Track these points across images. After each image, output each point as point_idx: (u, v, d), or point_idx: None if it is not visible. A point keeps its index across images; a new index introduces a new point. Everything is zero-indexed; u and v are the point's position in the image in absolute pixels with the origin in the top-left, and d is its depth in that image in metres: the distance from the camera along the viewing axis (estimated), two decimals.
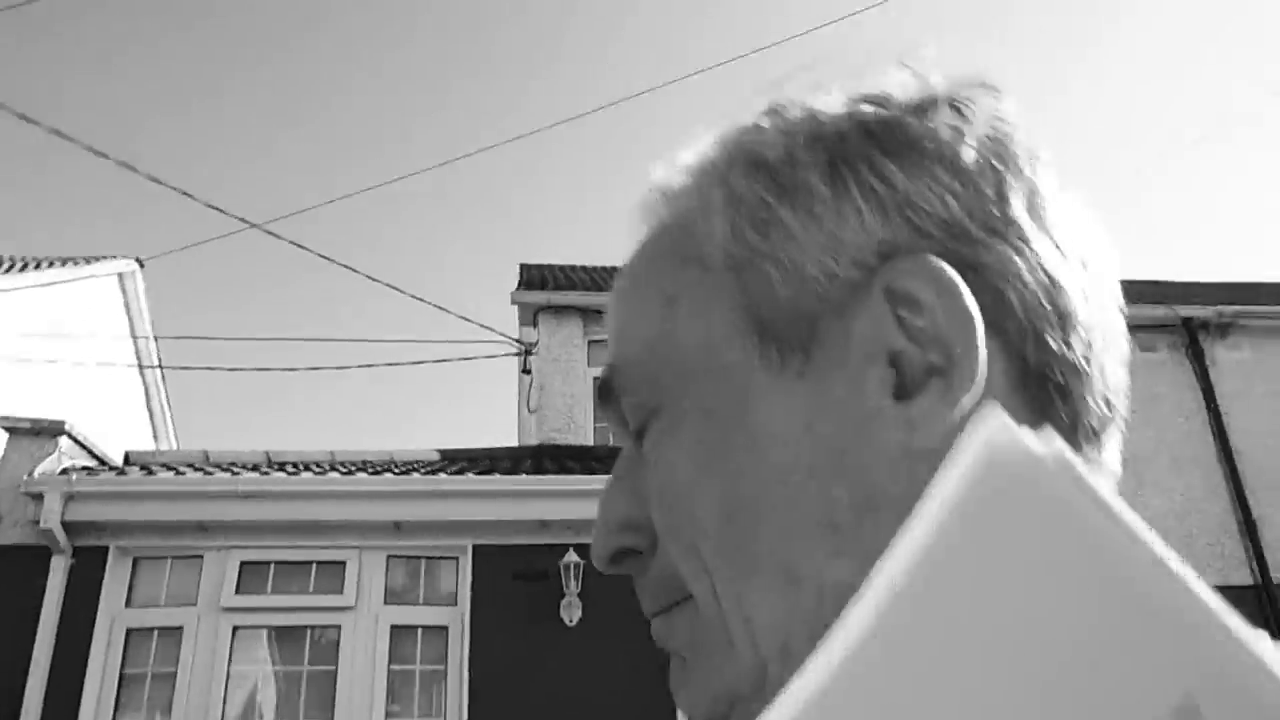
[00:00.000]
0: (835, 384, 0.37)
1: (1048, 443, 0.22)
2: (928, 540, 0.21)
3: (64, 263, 12.55)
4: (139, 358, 14.22)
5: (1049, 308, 0.37)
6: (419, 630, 6.25)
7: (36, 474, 6.10)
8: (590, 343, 9.86)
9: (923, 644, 0.21)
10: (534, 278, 10.68)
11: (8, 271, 11.09)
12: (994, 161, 0.38)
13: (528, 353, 10.11)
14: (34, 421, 6.52)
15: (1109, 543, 0.20)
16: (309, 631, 6.17)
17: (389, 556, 6.35)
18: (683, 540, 0.39)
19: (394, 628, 6.16)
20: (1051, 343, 0.37)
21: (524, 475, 6.40)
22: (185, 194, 7.88)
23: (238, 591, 6.15)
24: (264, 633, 6.16)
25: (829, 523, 0.36)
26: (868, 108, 0.39)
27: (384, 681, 6.00)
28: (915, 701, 0.20)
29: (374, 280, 9.97)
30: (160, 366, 13.71)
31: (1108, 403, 0.39)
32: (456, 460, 7.39)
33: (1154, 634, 0.19)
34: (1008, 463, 0.21)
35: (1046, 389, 0.37)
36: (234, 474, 6.32)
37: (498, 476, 6.38)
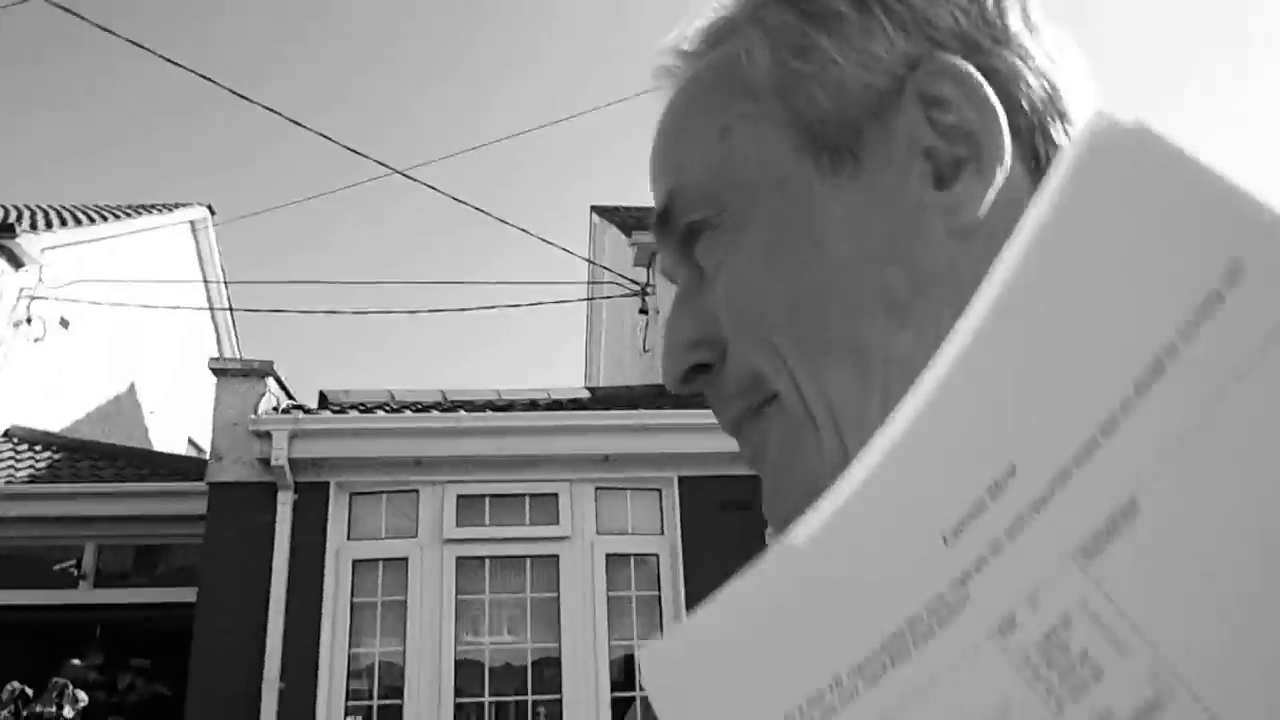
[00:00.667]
0: (883, 181, 0.41)
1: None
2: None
3: (147, 210, 12.45)
4: (210, 302, 14.14)
5: (1052, 107, 0.42)
6: (630, 559, 6.49)
7: (261, 413, 6.22)
8: None
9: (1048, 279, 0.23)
10: (646, 218, 10.75)
11: (103, 221, 11.02)
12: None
13: (645, 293, 10.24)
14: (244, 363, 6.61)
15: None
16: (528, 561, 6.39)
17: (597, 488, 6.56)
18: (760, 338, 0.42)
19: (608, 556, 6.40)
20: (1056, 137, 0.42)
21: None
22: (326, 137, 7.90)
23: (457, 524, 6.35)
24: (485, 562, 6.37)
25: (889, 301, 0.40)
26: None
27: (604, 607, 6.25)
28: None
29: (503, 222, 10.05)
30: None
31: None
32: (603, 397, 7.55)
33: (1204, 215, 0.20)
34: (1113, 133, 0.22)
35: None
36: (452, 411, 6.47)
37: (703, 411, 6.58)
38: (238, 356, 6.62)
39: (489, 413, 6.50)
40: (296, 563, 6.13)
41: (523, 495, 6.50)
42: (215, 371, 6.55)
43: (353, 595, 6.23)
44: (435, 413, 6.50)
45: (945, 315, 0.33)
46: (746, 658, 0.27)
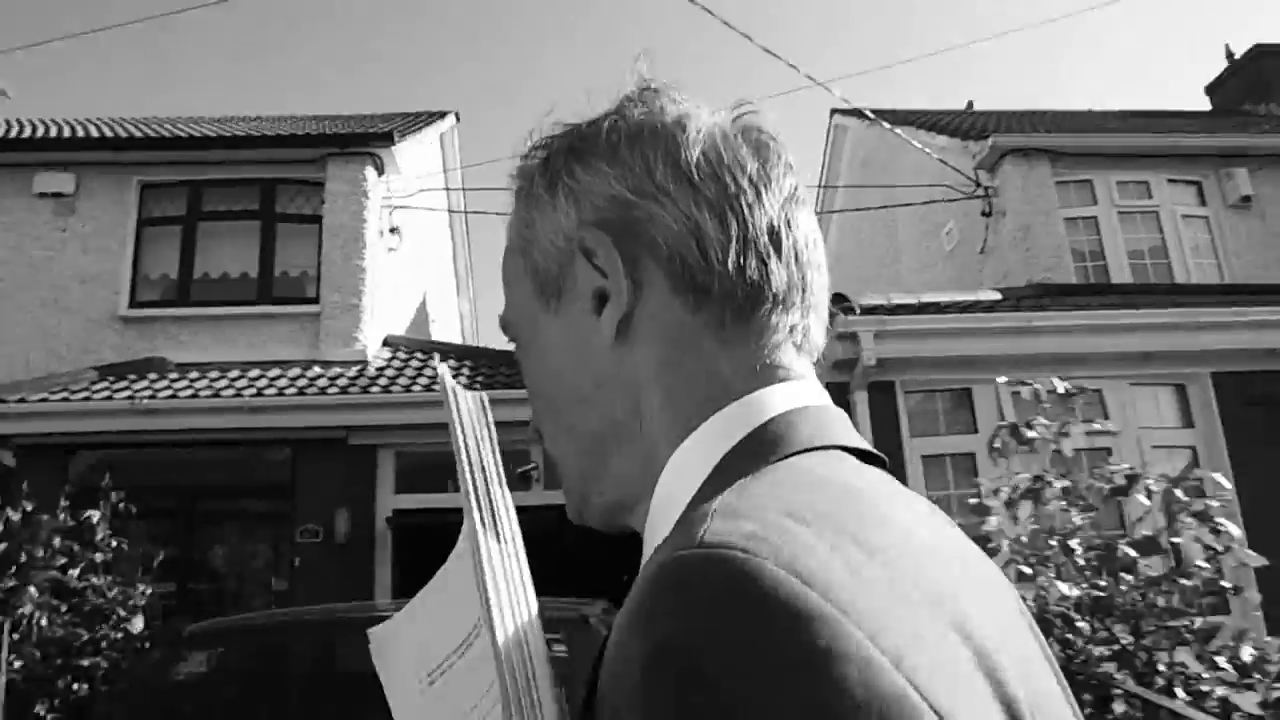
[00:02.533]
0: (572, 313, 0.61)
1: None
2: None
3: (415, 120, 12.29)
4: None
5: (689, 234, 0.57)
6: (1164, 450, 6.81)
7: (858, 314, 6.41)
8: (1057, 184, 10.10)
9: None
10: (988, 123, 10.83)
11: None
12: (643, 148, 0.59)
13: (989, 195, 10.34)
14: None
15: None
16: (1082, 454, 6.69)
17: (1131, 384, 6.84)
18: (533, 413, 0.68)
19: (1153, 448, 6.71)
20: (711, 263, 0.57)
21: (1260, 307, 6.84)
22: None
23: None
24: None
25: (579, 397, 0.62)
26: (574, 132, 0.63)
27: None
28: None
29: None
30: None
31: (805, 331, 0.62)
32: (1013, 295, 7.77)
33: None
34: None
35: (710, 296, 0.57)
36: (1014, 310, 6.68)
37: (1235, 309, 6.83)
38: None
39: (1044, 312, 6.71)
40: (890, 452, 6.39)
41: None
42: None
43: (926, 489, 6.52)
44: (1000, 312, 6.70)
45: (616, 403, 0.58)
46: (417, 637, 0.71)
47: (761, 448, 0.54)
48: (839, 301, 6.99)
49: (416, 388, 8.34)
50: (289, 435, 8.19)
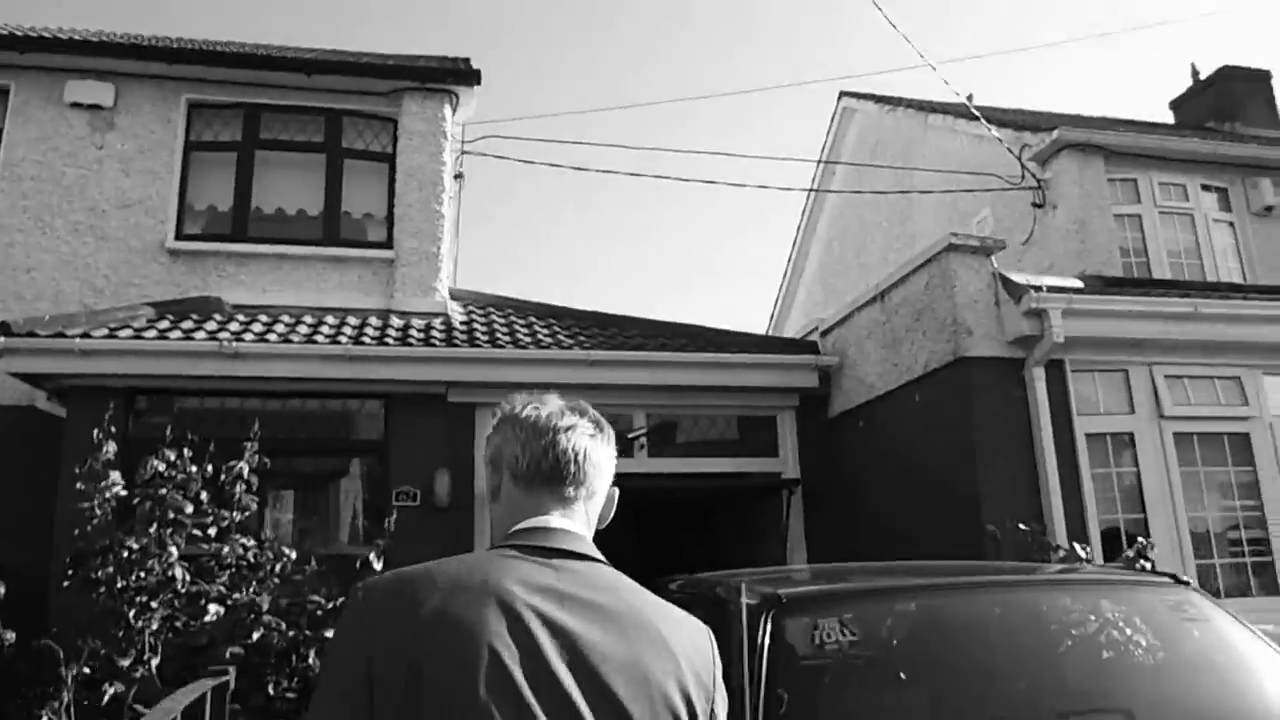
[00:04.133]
0: (499, 504, 1.37)
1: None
2: None
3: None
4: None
5: (519, 457, 1.34)
6: None
7: (1033, 291, 6.40)
8: (1108, 181, 10.48)
9: None
10: (1038, 120, 11.06)
11: None
12: (506, 424, 1.38)
13: (1041, 186, 10.62)
14: (980, 240, 6.70)
15: None
16: (1224, 438, 6.96)
17: (1264, 374, 7.15)
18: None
19: None
20: (524, 467, 1.33)
21: None
22: None
23: (1173, 403, 6.81)
24: (1193, 438, 6.90)
25: (492, 499, 1.39)
26: (501, 413, 1.42)
27: None
28: None
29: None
30: None
31: (586, 491, 1.36)
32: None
33: None
34: None
35: (537, 481, 1.32)
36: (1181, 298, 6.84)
37: None
38: (974, 234, 6.63)
39: (1222, 298, 6.91)
40: (1058, 436, 6.46)
41: (1210, 378, 7.01)
42: (952, 246, 6.61)
43: (1091, 466, 6.62)
44: (1172, 296, 6.85)
45: (498, 520, 1.36)
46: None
47: (504, 539, 1.30)
48: (1007, 283, 6.92)
49: (506, 344, 7.83)
50: (386, 389, 7.54)
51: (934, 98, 14.61)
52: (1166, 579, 2.90)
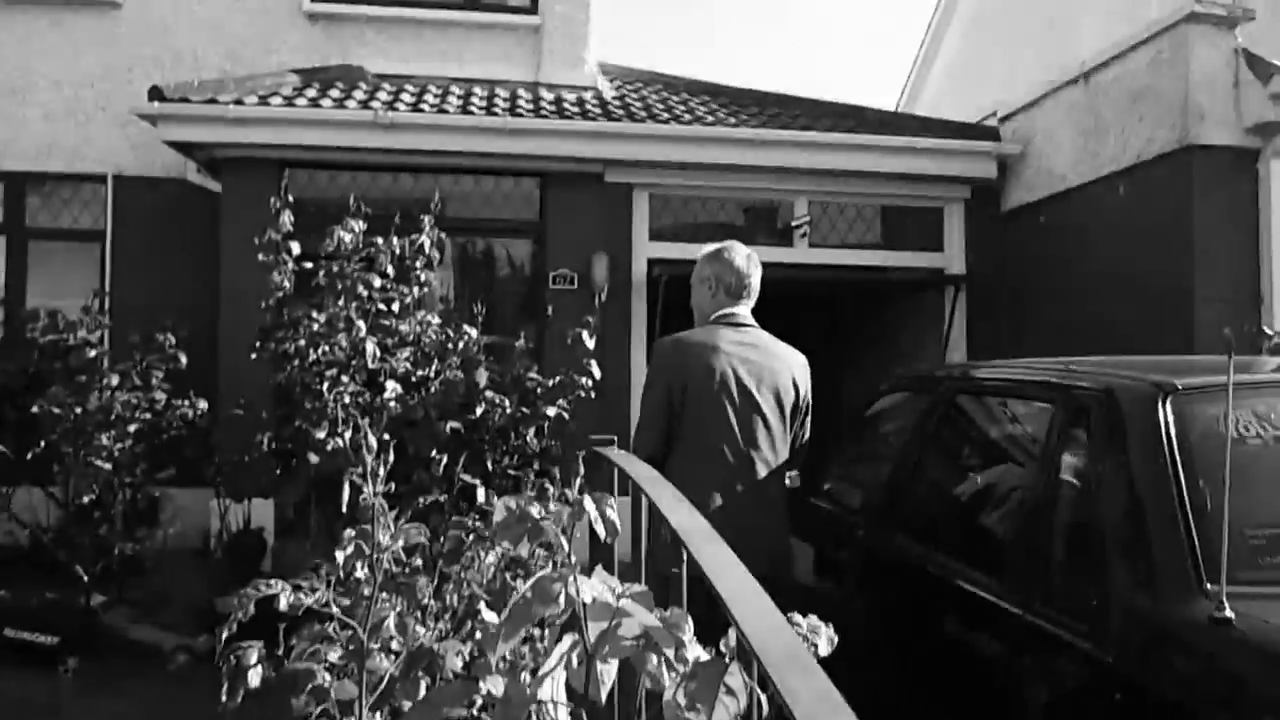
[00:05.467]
0: (709, 301, 3.12)
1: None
2: None
3: None
4: None
5: (731, 283, 3.01)
6: None
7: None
8: None
9: None
10: None
11: None
12: (721, 260, 3.05)
13: None
14: (1227, 8, 5.88)
15: None
16: None
17: None
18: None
19: None
20: (730, 285, 3.02)
21: None
22: None
23: None
24: None
25: (710, 318, 3.14)
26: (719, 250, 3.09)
27: None
28: None
29: None
30: None
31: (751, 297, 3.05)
32: None
33: None
34: None
35: (734, 294, 3.00)
36: None
37: None
38: (1216, 1, 5.83)
39: None
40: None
41: None
42: (1193, 16, 5.83)
43: None
44: None
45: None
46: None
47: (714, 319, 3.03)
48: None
49: (666, 120, 7.33)
50: (542, 166, 7.19)
51: None
52: None
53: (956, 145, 7.43)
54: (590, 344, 4.36)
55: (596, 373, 4.47)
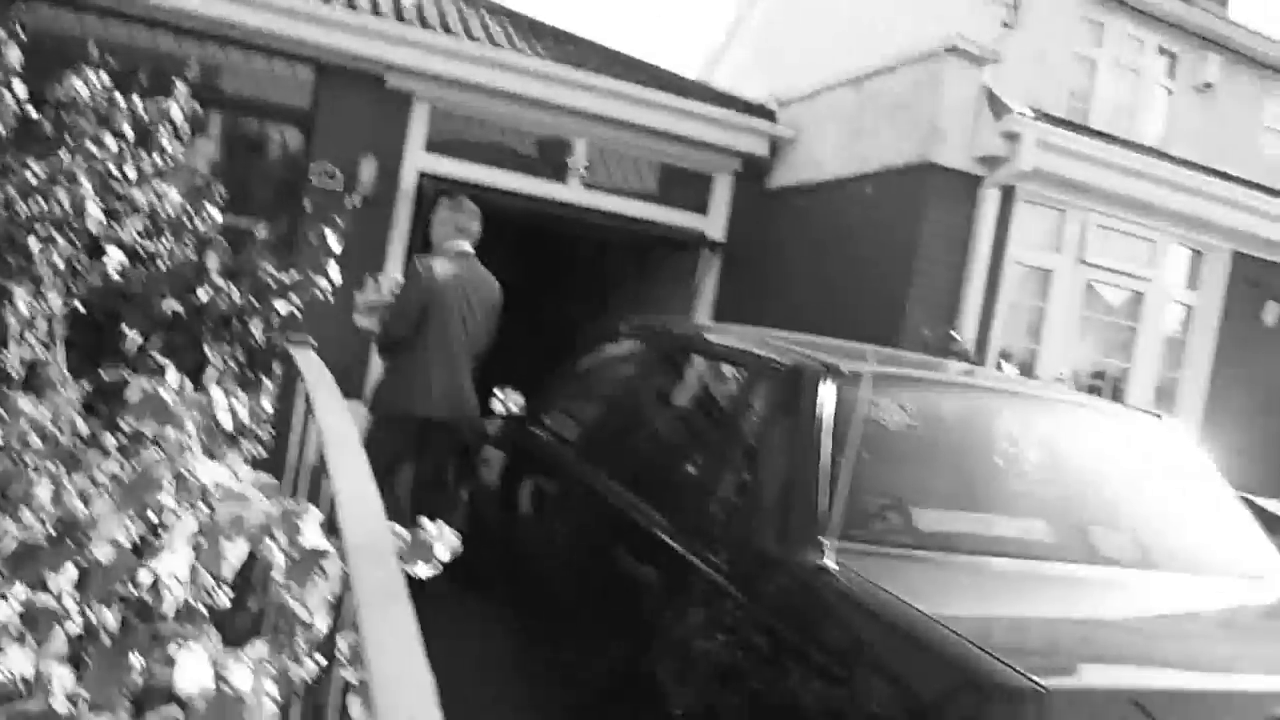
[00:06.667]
0: (444, 236, 4.65)
1: None
2: None
3: None
4: None
5: (463, 227, 4.58)
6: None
7: (1016, 113, 6.38)
8: (1079, 18, 10.34)
9: None
10: None
11: None
12: (458, 207, 4.64)
13: (1015, 7, 10.36)
14: (980, 49, 6.50)
15: None
16: (1126, 293, 7.44)
17: (1174, 243, 7.57)
18: None
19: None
20: (461, 227, 4.58)
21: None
22: None
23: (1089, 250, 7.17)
24: (1099, 287, 7.32)
25: (443, 248, 4.60)
26: (456, 200, 4.71)
27: None
28: None
29: None
30: None
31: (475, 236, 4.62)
32: None
33: None
34: None
35: (464, 232, 4.55)
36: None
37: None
38: (974, 41, 6.33)
39: (1160, 160, 7.09)
40: (994, 255, 6.69)
41: (1130, 235, 7.38)
42: (951, 51, 6.41)
43: (1008, 294, 6.95)
44: (1131, 151, 6.97)
45: None
46: None
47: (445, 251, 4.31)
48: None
49: (458, 35, 7.19)
50: (317, 54, 6.83)
51: None
52: (1153, 412, 3.12)
53: (735, 119, 7.78)
54: (336, 246, 4.27)
55: (336, 276, 4.37)
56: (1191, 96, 11.06)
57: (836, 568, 1.99)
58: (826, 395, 2.43)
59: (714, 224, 8.14)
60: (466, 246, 4.41)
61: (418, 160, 7.23)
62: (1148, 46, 10.78)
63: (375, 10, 6.95)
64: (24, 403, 1.34)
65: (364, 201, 6.96)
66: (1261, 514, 4.59)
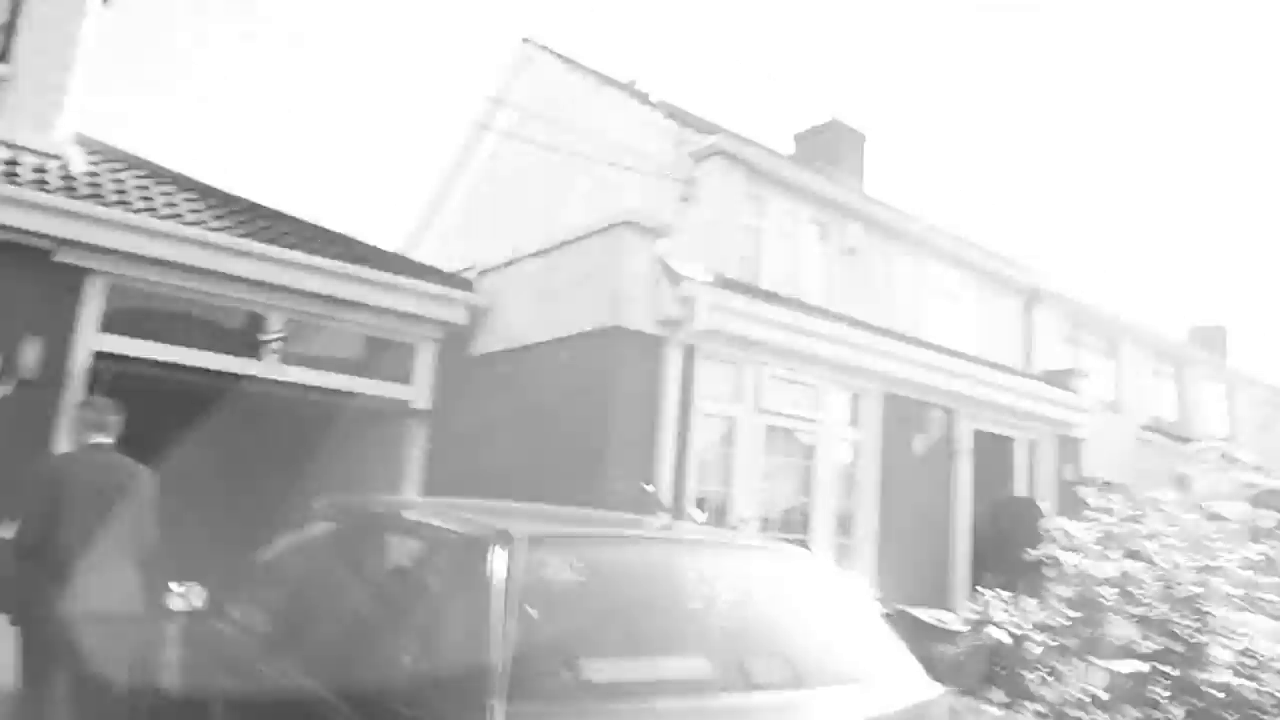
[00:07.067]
0: (83, 433, 4.91)
1: None
2: None
3: None
4: None
5: (97, 421, 4.81)
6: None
7: (689, 280, 7.12)
8: (744, 193, 11.76)
9: None
10: (697, 121, 11.86)
11: None
12: (87, 406, 4.99)
13: (690, 184, 11.63)
14: (654, 222, 7.23)
15: None
16: (798, 435, 8.29)
17: (833, 386, 8.62)
18: None
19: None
20: (93, 422, 4.83)
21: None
22: None
23: (765, 398, 7.99)
24: (779, 431, 8.12)
25: (81, 444, 4.89)
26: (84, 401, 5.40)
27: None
28: None
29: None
30: None
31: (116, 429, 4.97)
32: None
33: None
34: None
35: (100, 427, 4.79)
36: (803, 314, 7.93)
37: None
38: (648, 216, 6.97)
39: (807, 314, 8.11)
40: (681, 408, 7.28)
41: (799, 383, 8.31)
42: (628, 225, 7.09)
43: (698, 443, 7.55)
44: (795, 311, 7.91)
45: None
46: None
47: (81, 447, 4.69)
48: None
49: (148, 209, 6.99)
50: None
51: (603, 69, 15.15)
52: (801, 548, 3.53)
53: (433, 290, 8.02)
54: None
55: None
56: (840, 259, 12.77)
57: None
58: (498, 561, 2.55)
59: (419, 393, 8.21)
60: (101, 439, 4.58)
61: (91, 340, 6.77)
62: (801, 217, 12.41)
63: (41, 184, 6.58)
64: None
65: (25, 385, 6.38)
66: (916, 624, 5.21)
